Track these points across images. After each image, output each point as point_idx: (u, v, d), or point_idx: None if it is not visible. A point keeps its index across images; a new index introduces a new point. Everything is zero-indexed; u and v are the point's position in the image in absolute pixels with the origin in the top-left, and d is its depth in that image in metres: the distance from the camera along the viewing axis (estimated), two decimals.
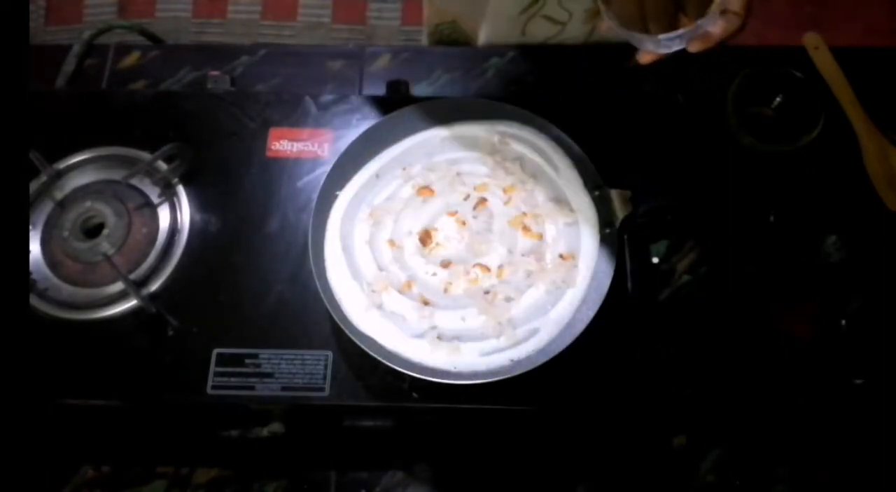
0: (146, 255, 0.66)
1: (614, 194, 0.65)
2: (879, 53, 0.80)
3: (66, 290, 0.66)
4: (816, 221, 0.71)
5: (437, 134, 0.70)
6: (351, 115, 0.73)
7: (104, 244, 0.66)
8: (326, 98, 0.74)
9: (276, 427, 0.64)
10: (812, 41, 0.77)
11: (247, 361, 0.63)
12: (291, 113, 0.73)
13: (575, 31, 0.85)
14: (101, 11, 1.73)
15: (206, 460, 0.68)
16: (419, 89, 0.81)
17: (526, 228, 0.65)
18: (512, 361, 0.60)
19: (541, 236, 0.65)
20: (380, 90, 0.78)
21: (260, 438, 0.65)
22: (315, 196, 0.65)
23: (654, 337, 0.66)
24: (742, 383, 0.65)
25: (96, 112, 0.75)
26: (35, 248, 0.67)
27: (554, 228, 0.65)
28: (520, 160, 0.69)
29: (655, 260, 0.70)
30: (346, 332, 0.60)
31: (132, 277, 0.65)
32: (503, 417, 0.68)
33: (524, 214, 0.66)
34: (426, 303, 0.62)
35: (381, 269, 0.64)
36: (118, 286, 0.64)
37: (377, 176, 0.68)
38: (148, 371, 0.63)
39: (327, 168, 0.67)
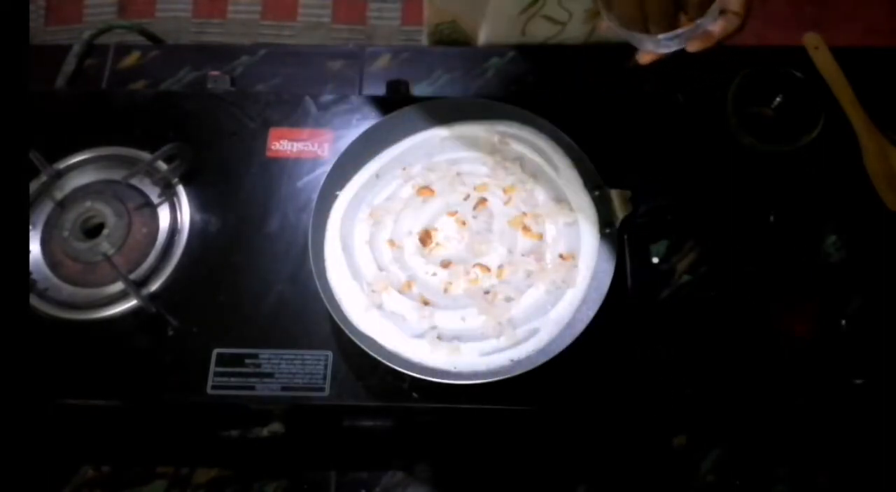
0: (146, 255, 0.66)
1: (614, 194, 0.65)
2: (879, 53, 0.80)
3: (66, 290, 0.66)
4: (816, 222, 0.71)
5: (437, 134, 0.70)
6: (351, 115, 0.73)
7: (104, 244, 0.66)
8: (326, 98, 0.74)
9: (276, 427, 0.64)
10: (812, 41, 0.77)
11: (247, 361, 0.63)
12: (291, 113, 0.73)
13: (575, 32, 0.86)
14: (101, 11, 1.73)
15: (206, 460, 0.68)
16: (419, 89, 0.81)
17: (526, 228, 0.65)
18: (512, 361, 0.60)
19: (541, 236, 0.65)
20: (380, 90, 0.78)
21: (260, 438, 0.65)
22: (315, 196, 0.65)
23: (654, 337, 0.66)
24: (742, 383, 0.65)
25: (96, 112, 0.75)
26: (35, 248, 0.67)
27: (554, 228, 0.65)
28: (520, 160, 0.69)
29: (655, 260, 0.70)
30: (346, 332, 0.60)
31: (132, 277, 0.65)
32: (503, 417, 0.68)
33: (524, 214, 0.66)
34: (426, 303, 0.62)
35: (381, 269, 0.64)
36: (118, 286, 0.64)
37: (377, 176, 0.68)
38: (148, 371, 0.63)
39: (327, 168, 0.67)
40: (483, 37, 0.88)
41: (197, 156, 0.70)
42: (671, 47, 0.54)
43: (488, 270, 0.63)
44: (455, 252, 0.65)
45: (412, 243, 0.65)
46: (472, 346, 0.61)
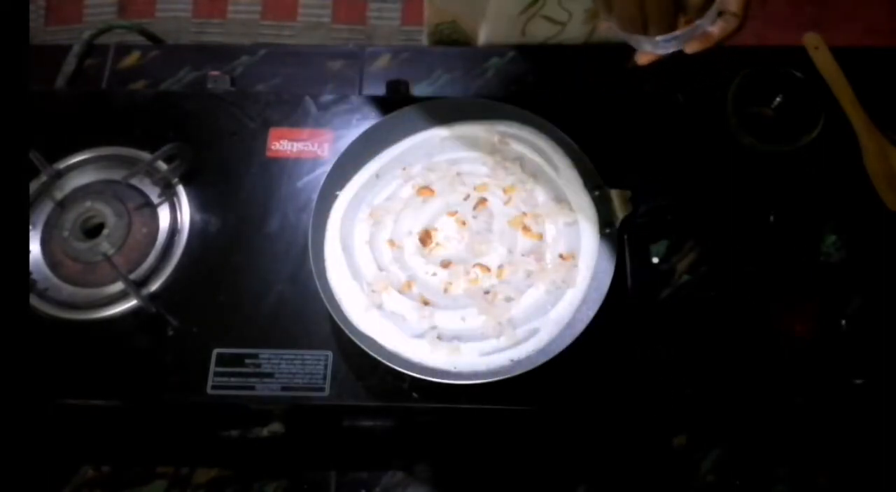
0: (146, 255, 0.66)
1: (614, 194, 0.65)
2: (879, 53, 0.80)
3: (66, 290, 0.66)
4: (816, 222, 0.71)
5: (437, 134, 0.70)
6: (351, 115, 0.73)
7: (104, 244, 0.66)
8: (326, 98, 0.74)
9: (276, 427, 0.64)
10: (812, 41, 0.77)
11: (247, 361, 0.63)
12: (291, 113, 0.73)
13: (575, 32, 0.86)
14: (101, 11, 1.73)
15: (206, 460, 0.68)
16: (419, 89, 0.81)
17: (526, 228, 0.65)
18: (512, 361, 0.60)
19: (541, 236, 0.65)
20: (380, 90, 0.78)
21: (260, 438, 0.65)
22: (315, 196, 0.65)
23: (654, 337, 0.66)
24: (742, 383, 0.65)
25: (96, 112, 0.75)
26: (35, 248, 0.67)
27: (554, 228, 0.65)
28: (520, 160, 0.69)
29: (655, 260, 0.70)
30: (346, 332, 0.60)
31: (132, 277, 0.65)
32: (503, 417, 0.68)
33: (524, 214, 0.66)
34: (426, 303, 0.62)
35: (381, 269, 0.64)
36: (118, 286, 0.64)
37: (377, 176, 0.68)
38: (148, 371, 0.63)
39: (327, 168, 0.67)
40: (483, 37, 0.88)
41: (197, 156, 0.70)
42: (669, 48, 0.54)
43: (488, 270, 0.63)
44: (455, 252, 0.65)
45: (412, 243, 0.65)
46: (472, 346, 0.61)
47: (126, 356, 0.64)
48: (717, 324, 0.68)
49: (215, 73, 0.78)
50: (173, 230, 0.68)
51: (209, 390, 0.62)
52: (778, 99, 0.73)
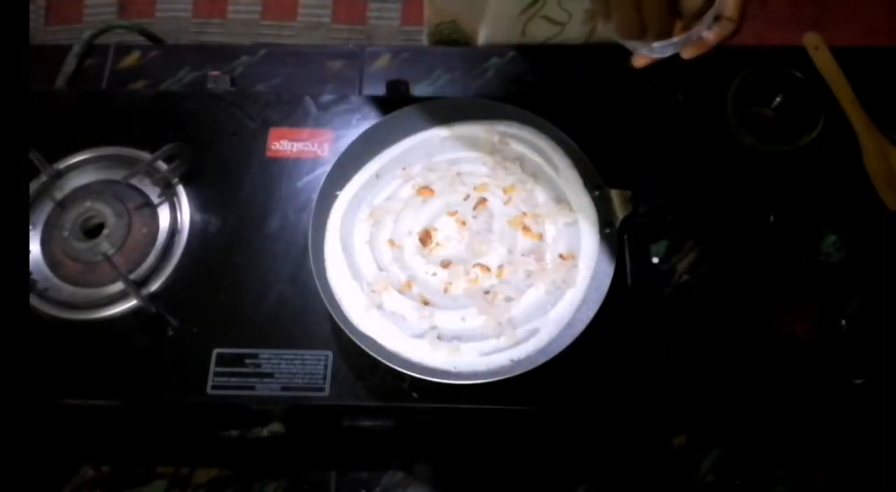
0: (146, 255, 0.66)
1: (614, 194, 0.65)
2: (879, 53, 0.80)
3: (66, 290, 0.66)
4: (816, 222, 0.71)
5: (437, 134, 0.70)
6: (351, 115, 0.73)
7: (104, 244, 0.66)
8: (326, 98, 0.74)
9: (276, 427, 0.64)
10: (812, 41, 0.77)
11: (247, 361, 0.63)
12: (291, 113, 0.73)
13: (575, 33, 0.86)
14: (101, 11, 1.73)
15: (206, 460, 0.68)
16: (419, 89, 0.81)
17: (526, 228, 0.65)
18: (512, 361, 0.60)
19: (541, 236, 0.65)
20: (380, 90, 0.78)
21: (260, 438, 0.65)
22: (315, 196, 0.65)
23: (654, 337, 0.66)
24: (742, 383, 0.65)
25: (96, 112, 0.75)
26: (35, 248, 0.67)
27: (554, 228, 0.65)
28: (520, 160, 0.69)
29: (655, 260, 0.70)
30: (346, 332, 0.60)
31: (132, 277, 0.65)
32: (503, 417, 0.68)
33: (524, 214, 0.66)
34: (426, 303, 0.62)
35: (381, 269, 0.64)
36: (118, 286, 0.64)
37: (377, 176, 0.68)
38: (148, 371, 0.63)
39: (327, 168, 0.67)
40: (483, 37, 0.88)
41: (197, 156, 0.70)
42: (666, 53, 0.54)
43: (488, 270, 0.63)
44: (455, 252, 0.65)
45: (412, 243, 0.65)
46: (472, 346, 0.61)
47: (126, 356, 0.64)
48: (717, 324, 0.68)
49: (215, 73, 0.78)
50: (173, 230, 0.68)
51: (209, 390, 0.62)
52: (778, 99, 0.73)
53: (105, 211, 0.67)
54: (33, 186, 0.69)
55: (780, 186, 0.72)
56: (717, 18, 0.53)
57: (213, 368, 0.62)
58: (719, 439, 0.67)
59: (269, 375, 0.62)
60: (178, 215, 0.68)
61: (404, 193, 0.67)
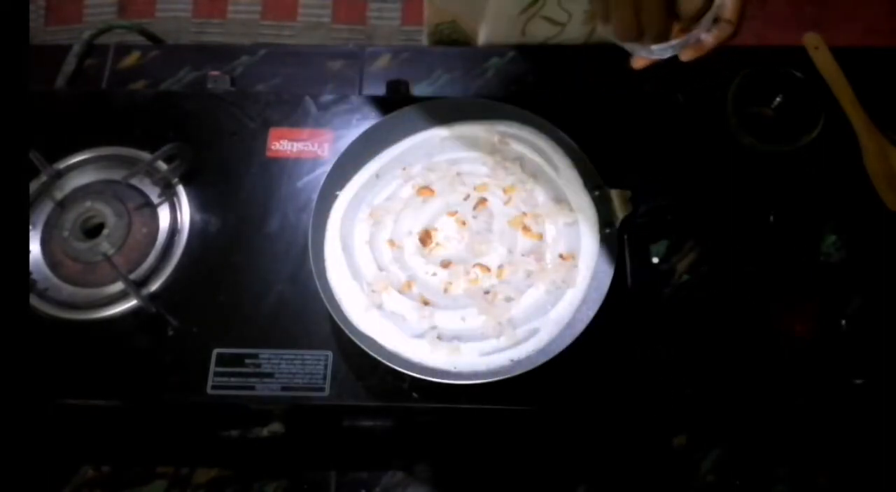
0: (146, 255, 0.66)
1: (614, 194, 0.65)
2: (879, 53, 0.80)
3: (66, 290, 0.66)
4: (816, 222, 0.71)
5: (437, 134, 0.70)
6: (351, 115, 0.73)
7: (104, 244, 0.66)
8: (326, 98, 0.74)
9: (276, 427, 0.64)
10: (812, 41, 0.77)
11: (247, 361, 0.63)
12: (291, 113, 0.73)
13: (574, 33, 0.86)
14: (101, 11, 1.73)
15: (206, 460, 0.68)
16: (419, 89, 0.81)
17: (526, 228, 0.65)
18: (512, 361, 0.60)
19: (541, 236, 0.65)
20: (380, 90, 0.78)
21: (260, 438, 0.65)
22: (315, 196, 0.65)
23: (654, 337, 0.66)
24: (742, 383, 0.65)
25: (96, 112, 0.75)
26: (35, 248, 0.67)
27: (554, 228, 0.65)
28: (520, 160, 0.69)
29: (655, 260, 0.70)
30: (346, 332, 0.60)
31: (132, 277, 0.65)
32: (503, 417, 0.68)
33: (524, 214, 0.66)
34: (426, 303, 0.62)
35: (381, 269, 0.64)
36: (118, 286, 0.64)
37: (377, 176, 0.68)
38: (148, 371, 0.63)
39: (327, 168, 0.67)
40: (483, 37, 0.88)
41: (197, 156, 0.70)
42: (665, 55, 0.54)
43: (488, 270, 0.63)
44: (455, 252, 0.65)
45: (412, 243, 0.65)
46: (472, 346, 0.61)
47: (126, 356, 0.64)
48: (717, 324, 0.68)
49: (215, 73, 0.78)
50: (173, 230, 0.68)
51: (209, 390, 0.62)
52: (778, 99, 0.73)
53: (105, 211, 0.67)
54: (33, 186, 0.69)
55: (780, 186, 0.72)
56: (716, 21, 0.53)
57: (213, 368, 0.62)
58: (719, 439, 0.67)
59: (269, 375, 0.62)
60: (178, 215, 0.68)
61: (404, 193, 0.67)
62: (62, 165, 0.70)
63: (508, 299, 0.62)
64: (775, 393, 0.65)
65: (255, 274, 0.66)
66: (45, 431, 0.64)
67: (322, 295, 0.61)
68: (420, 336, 0.61)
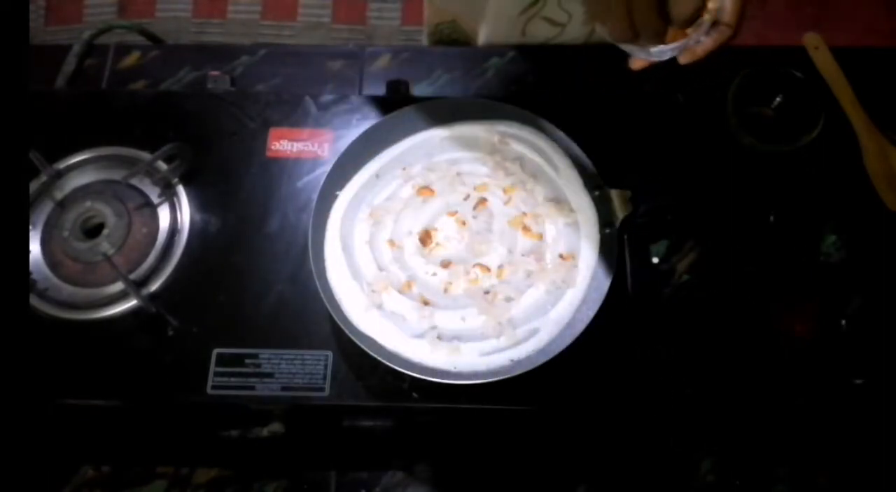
0: (146, 255, 0.66)
1: (614, 194, 0.65)
2: (879, 53, 0.80)
3: (66, 290, 0.66)
4: (816, 222, 0.71)
5: (437, 134, 0.70)
6: (351, 115, 0.73)
7: (104, 244, 0.66)
8: (326, 98, 0.74)
9: (276, 427, 0.64)
10: (812, 41, 0.77)
11: (247, 361, 0.63)
12: (291, 113, 0.73)
13: (575, 33, 0.86)
14: (101, 11, 1.74)
15: (206, 460, 0.68)
16: (419, 89, 0.81)
17: (526, 228, 0.65)
18: (512, 361, 0.60)
19: (541, 236, 0.65)
20: (380, 90, 0.78)
21: (260, 438, 0.65)
22: (315, 196, 0.65)
23: (654, 337, 0.66)
24: (742, 383, 0.65)
25: (96, 112, 0.75)
26: (35, 248, 0.67)
27: (554, 228, 0.65)
28: (520, 160, 0.69)
29: (655, 260, 0.70)
30: (346, 332, 0.60)
31: (132, 277, 0.65)
32: (503, 417, 0.68)
33: (524, 214, 0.66)
34: (426, 303, 0.62)
35: (381, 269, 0.64)
36: (118, 286, 0.64)
37: (377, 176, 0.68)
38: (148, 371, 0.63)
39: (327, 168, 0.67)
40: (483, 37, 0.88)
41: (197, 156, 0.70)
42: (663, 57, 0.54)
43: (488, 270, 0.63)
44: (455, 252, 0.65)
45: (412, 243, 0.65)
46: (472, 346, 0.61)
47: (126, 356, 0.64)
48: (717, 324, 0.68)
49: (215, 73, 0.78)
50: (173, 230, 0.68)
51: (209, 390, 0.62)
52: (778, 99, 0.73)
53: (105, 211, 0.67)
54: (33, 186, 0.69)
55: (780, 186, 0.72)
56: (715, 24, 0.53)
57: (213, 368, 0.62)
58: (719, 439, 0.67)
59: (269, 375, 0.62)
60: (178, 215, 0.68)
61: (404, 193, 0.67)
62: (62, 165, 0.70)
63: (508, 299, 0.62)
64: (775, 393, 0.65)
65: (255, 274, 0.66)
66: (45, 431, 0.64)
67: (322, 295, 0.61)
68: (420, 336, 0.61)
